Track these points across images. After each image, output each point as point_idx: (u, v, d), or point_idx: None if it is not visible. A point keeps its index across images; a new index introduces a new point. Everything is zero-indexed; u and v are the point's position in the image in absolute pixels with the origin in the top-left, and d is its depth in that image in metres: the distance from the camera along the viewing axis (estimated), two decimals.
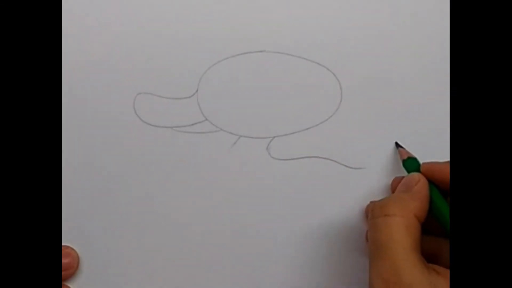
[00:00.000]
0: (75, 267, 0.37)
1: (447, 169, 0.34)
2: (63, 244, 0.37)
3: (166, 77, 0.38)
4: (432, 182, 0.35)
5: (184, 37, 0.38)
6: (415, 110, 0.39)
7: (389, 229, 0.31)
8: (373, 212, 0.32)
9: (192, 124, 0.38)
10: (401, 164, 0.37)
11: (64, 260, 0.37)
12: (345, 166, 0.38)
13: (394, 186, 0.37)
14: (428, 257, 0.32)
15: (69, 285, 0.38)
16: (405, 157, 0.37)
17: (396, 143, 0.38)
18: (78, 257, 0.38)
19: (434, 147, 0.38)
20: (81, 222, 0.38)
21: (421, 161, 0.36)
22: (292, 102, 0.38)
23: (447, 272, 0.31)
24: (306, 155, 0.38)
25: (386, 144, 0.39)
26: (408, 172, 0.36)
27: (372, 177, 0.38)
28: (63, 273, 0.37)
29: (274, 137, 0.38)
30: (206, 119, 0.38)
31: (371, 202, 0.33)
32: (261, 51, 0.38)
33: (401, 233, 0.30)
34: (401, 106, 0.39)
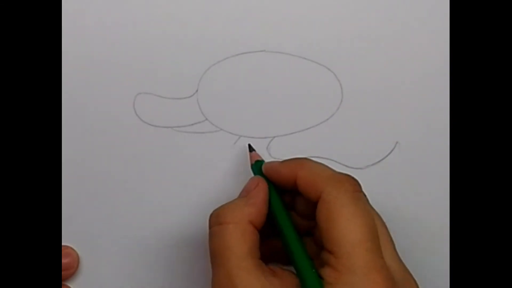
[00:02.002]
0: (75, 267, 0.37)
1: (280, 168, 0.34)
2: (63, 244, 0.37)
3: (166, 77, 0.38)
4: (273, 183, 0.34)
5: (184, 37, 0.38)
6: (415, 110, 0.39)
7: (223, 238, 0.31)
8: (209, 222, 0.32)
9: (192, 124, 0.38)
10: (401, 164, 0.37)
11: (64, 260, 0.37)
12: (345, 166, 0.38)
13: None
14: (273, 256, 0.33)
15: (69, 285, 0.38)
16: (253, 161, 0.36)
17: (249, 146, 0.37)
18: (78, 257, 0.38)
19: (434, 147, 0.38)
20: (81, 222, 0.38)
21: (420, 161, 0.36)
22: (292, 102, 0.38)
23: (283, 272, 0.31)
24: (306, 155, 0.38)
25: (386, 144, 0.39)
26: (255, 174, 0.36)
27: (372, 177, 0.38)
28: (63, 273, 0.37)
29: (274, 137, 0.38)
30: (206, 119, 0.38)
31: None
32: (261, 51, 0.38)
33: (235, 240, 0.31)
34: (401, 106, 0.39)
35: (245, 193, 0.34)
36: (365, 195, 0.32)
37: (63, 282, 0.37)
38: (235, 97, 0.38)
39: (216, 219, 0.32)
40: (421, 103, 0.39)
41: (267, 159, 0.38)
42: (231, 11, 0.38)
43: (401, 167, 0.38)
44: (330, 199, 0.31)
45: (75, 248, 0.38)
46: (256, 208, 0.32)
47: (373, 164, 0.38)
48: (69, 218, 0.37)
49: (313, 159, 0.37)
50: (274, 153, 0.38)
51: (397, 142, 0.38)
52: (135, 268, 0.38)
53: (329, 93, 0.38)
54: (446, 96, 0.38)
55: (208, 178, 0.38)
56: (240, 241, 0.31)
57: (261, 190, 0.33)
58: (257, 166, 0.36)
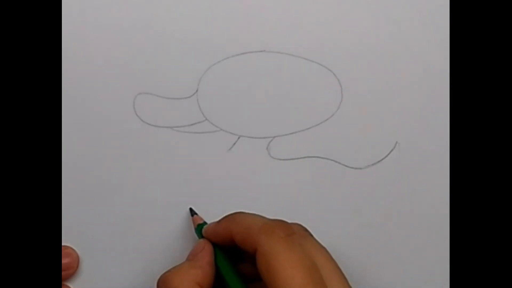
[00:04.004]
0: (75, 267, 0.37)
1: (216, 228, 0.34)
2: (63, 244, 0.37)
3: (166, 77, 0.38)
4: (217, 245, 0.34)
5: (184, 37, 0.38)
6: (415, 110, 0.39)
7: None
8: (157, 287, 0.33)
9: (192, 124, 0.38)
10: (401, 164, 0.37)
11: (64, 260, 0.37)
12: (345, 166, 0.38)
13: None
14: None
15: (69, 285, 0.38)
16: (195, 224, 0.37)
17: (190, 209, 0.37)
18: (78, 257, 0.38)
19: (434, 147, 0.38)
20: (81, 222, 0.38)
21: (420, 161, 0.36)
22: (292, 102, 0.38)
23: None
24: (306, 155, 0.38)
25: (386, 144, 0.39)
26: (199, 238, 0.36)
27: (372, 177, 0.38)
28: (63, 273, 0.37)
29: (274, 137, 0.38)
30: (206, 119, 0.38)
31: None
32: (261, 51, 0.38)
33: None
34: (401, 106, 0.39)
35: (191, 257, 0.34)
36: (299, 234, 0.32)
37: (63, 282, 0.37)
38: (235, 97, 0.38)
39: (164, 285, 0.32)
40: (421, 103, 0.39)
41: (267, 159, 0.38)
42: (231, 11, 0.38)
43: (401, 167, 0.38)
44: (266, 249, 0.31)
45: (75, 248, 0.38)
46: (202, 270, 0.33)
47: (373, 164, 0.38)
48: (69, 218, 0.37)
49: (313, 159, 0.37)
50: (274, 153, 0.38)
51: (397, 142, 0.38)
52: (135, 268, 0.38)
53: (329, 93, 0.38)
54: (446, 96, 0.38)
55: (208, 178, 0.38)
56: None
57: (206, 252, 0.34)
58: (199, 229, 0.36)
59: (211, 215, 0.37)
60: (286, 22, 0.38)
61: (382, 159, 0.38)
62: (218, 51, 0.38)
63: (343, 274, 0.32)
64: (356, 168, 0.38)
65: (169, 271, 0.33)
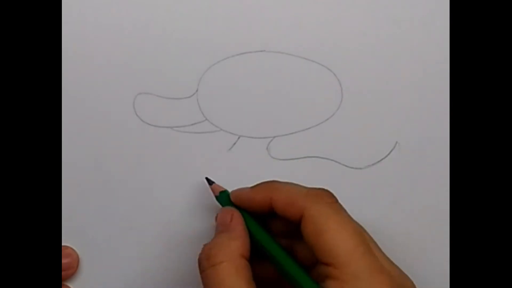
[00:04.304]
0: (75, 267, 0.37)
1: (252, 194, 0.34)
2: (63, 244, 0.37)
3: (166, 77, 0.38)
4: (245, 210, 0.34)
5: (184, 37, 0.38)
6: (415, 110, 0.39)
7: (219, 278, 0.31)
8: (200, 266, 0.32)
9: (192, 124, 0.38)
10: (401, 164, 0.37)
11: (64, 261, 0.37)
12: (345, 166, 0.38)
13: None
14: (268, 281, 0.33)
15: (69, 285, 0.38)
16: (217, 192, 0.36)
17: (207, 179, 0.37)
18: (78, 257, 0.38)
19: (434, 147, 0.38)
20: (81, 222, 0.38)
21: (420, 161, 0.36)
22: (292, 102, 0.38)
23: None
24: (306, 155, 0.38)
25: (386, 144, 0.39)
26: (223, 206, 0.36)
27: (372, 177, 0.38)
28: (63, 273, 0.37)
29: (274, 137, 0.38)
30: (206, 119, 0.38)
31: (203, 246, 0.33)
32: (261, 51, 0.38)
33: (232, 278, 0.31)
34: (401, 106, 0.39)
35: (223, 228, 0.34)
36: (341, 204, 0.33)
37: (63, 282, 0.37)
38: (235, 97, 0.38)
39: (208, 261, 0.32)
40: (421, 103, 0.39)
41: (267, 159, 0.38)
42: (231, 11, 0.38)
43: (401, 167, 0.38)
44: (314, 214, 0.31)
45: (75, 248, 0.38)
46: (241, 240, 0.33)
47: (373, 164, 0.38)
48: (69, 218, 0.37)
49: (313, 159, 0.37)
50: (274, 153, 0.38)
51: (397, 142, 0.38)
52: (135, 268, 0.38)
53: (329, 93, 0.38)
54: (446, 96, 0.38)
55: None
56: (238, 278, 0.31)
57: (239, 220, 0.34)
58: (223, 196, 0.36)
59: (211, 215, 0.37)
60: (286, 22, 0.38)
61: (382, 159, 0.38)
62: (218, 51, 0.38)
63: (379, 246, 0.33)
64: (356, 168, 0.38)
65: (208, 247, 0.32)
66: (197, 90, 0.38)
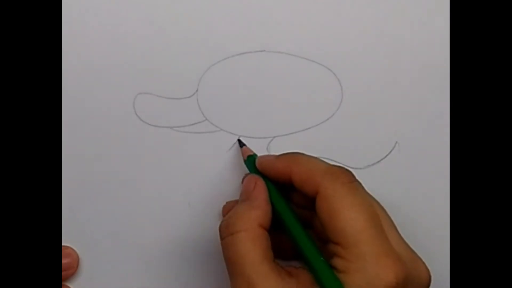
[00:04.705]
0: (75, 267, 0.37)
1: (275, 163, 0.34)
2: (63, 244, 0.37)
3: (166, 77, 0.38)
4: (270, 179, 0.34)
5: (184, 37, 0.38)
6: (415, 110, 0.39)
7: (236, 247, 0.31)
8: (220, 233, 0.32)
9: (192, 124, 0.38)
10: (401, 164, 0.37)
11: (64, 260, 0.37)
12: (345, 166, 0.38)
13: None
14: (287, 252, 0.34)
15: (69, 285, 0.38)
16: (246, 156, 0.36)
17: (239, 140, 0.37)
18: (78, 257, 0.38)
19: (434, 147, 0.38)
20: (81, 222, 0.38)
21: (420, 161, 0.36)
22: (292, 102, 0.38)
23: (298, 270, 0.32)
24: None
25: (386, 144, 0.39)
26: (250, 171, 0.36)
27: (372, 177, 0.38)
28: (63, 273, 0.37)
29: (274, 137, 0.38)
30: (206, 119, 0.38)
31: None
32: (261, 51, 0.38)
33: (248, 247, 0.31)
34: (401, 106, 0.39)
35: (245, 195, 0.34)
36: (360, 184, 0.33)
37: (63, 282, 0.37)
38: (235, 97, 0.38)
39: (227, 230, 0.32)
40: (421, 103, 0.39)
41: None
42: (230, 11, 0.38)
43: (401, 167, 0.38)
44: (329, 192, 0.31)
45: (75, 248, 0.38)
46: (261, 210, 0.32)
47: (373, 164, 0.38)
48: (69, 218, 0.37)
49: None
50: (274, 153, 0.38)
51: (397, 142, 0.38)
52: (135, 268, 0.38)
53: (329, 93, 0.38)
54: (446, 96, 0.38)
55: (208, 178, 0.38)
56: (254, 247, 0.31)
57: (262, 190, 0.34)
58: (250, 161, 0.36)
59: (211, 215, 0.37)
60: (286, 22, 0.38)
61: (382, 159, 0.38)
62: (218, 51, 0.38)
63: (396, 227, 0.33)
64: (356, 168, 0.38)
65: (229, 215, 0.32)
66: (197, 90, 0.38)
